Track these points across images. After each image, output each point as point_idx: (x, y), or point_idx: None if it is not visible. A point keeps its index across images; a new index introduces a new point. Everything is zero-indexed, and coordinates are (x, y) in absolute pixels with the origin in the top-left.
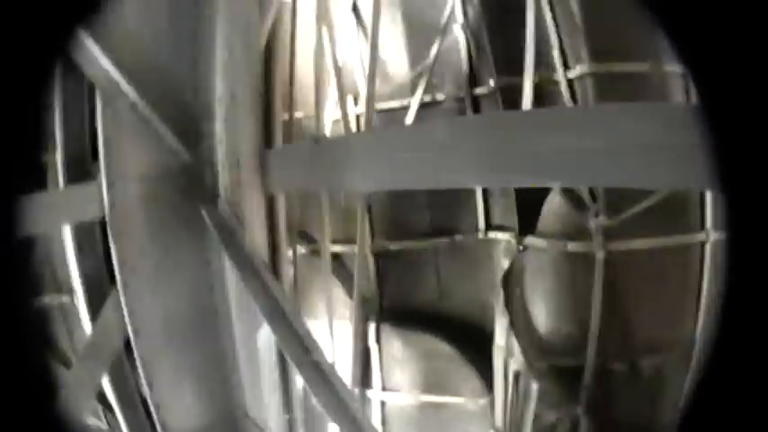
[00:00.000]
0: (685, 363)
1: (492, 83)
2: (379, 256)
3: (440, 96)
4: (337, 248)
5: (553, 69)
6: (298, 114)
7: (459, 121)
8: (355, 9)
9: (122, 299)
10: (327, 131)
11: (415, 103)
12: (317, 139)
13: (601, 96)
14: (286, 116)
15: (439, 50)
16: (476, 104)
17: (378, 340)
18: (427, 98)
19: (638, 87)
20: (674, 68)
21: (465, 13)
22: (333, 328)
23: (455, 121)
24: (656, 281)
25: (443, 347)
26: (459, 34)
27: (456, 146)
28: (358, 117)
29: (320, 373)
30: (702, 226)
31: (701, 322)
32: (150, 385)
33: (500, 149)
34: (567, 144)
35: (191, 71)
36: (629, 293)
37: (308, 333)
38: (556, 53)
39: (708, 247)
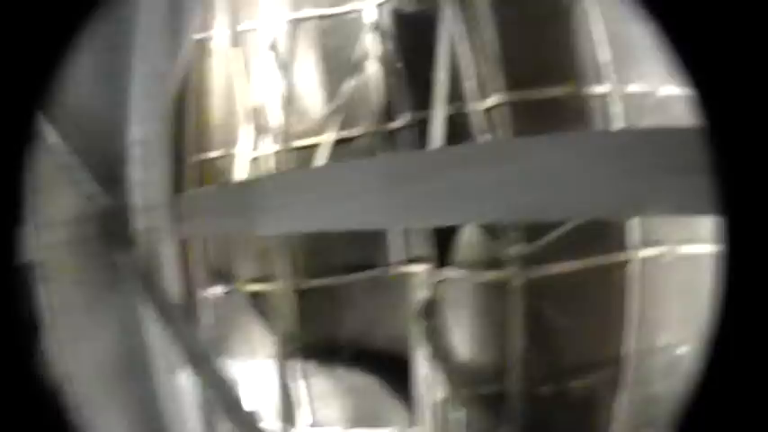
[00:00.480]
0: (616, 382)
1: (407, 117)
2: (300, 293)
3: (355, 132)
4: (257, 286)
5: (469, 100)
6: (215, 153)
7: (367, 163)
8: (273, 47)
9: (51, 343)
10: (245, 170)
11: (328, 140)
12: (226, 184)
13: (518, 125)
14: (202, 156)
15: (354, 86)
16: (392, 139)
17: (303, 377)
18: (342, 135)
19: (557, 113)
20: (593, 90)
21: (381, 48)
22: (256, 366)
23: (363, 162)
24: (579, 303)
25: (369, 380)
26: (374, 69)
27: (366, 188)
28: (276, 155)
29: (239, 413)
30: (625, 246)
31: (630, 340)
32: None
33: (408, 190)
34: (477, 180)
35: (109, 116)
36: (552, 318)
37: (227, 374)
38: (471, 83)
39: (632, 266)
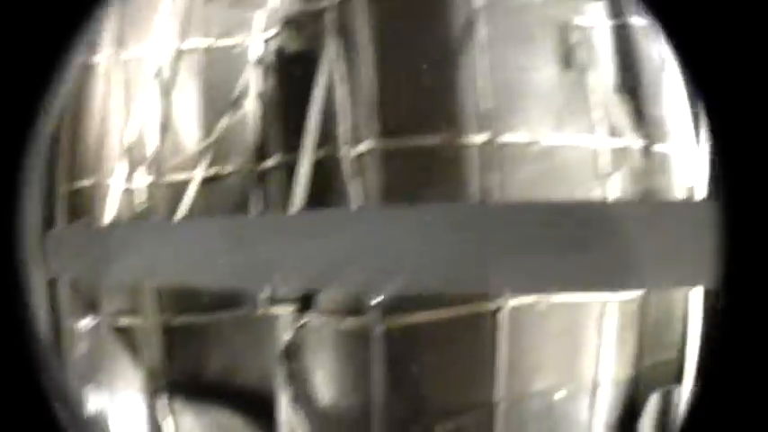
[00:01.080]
0: (486, 426)
1: (278, 158)
2: (167, 330)
3: (227, 169)
4: (125, 320)
5: (341, 144)
6: (88, 182)
7: (214, 221)
8: (158, 76)
9: None
10: (116, 203)
11: (197, 176)
12: (90, 223)
13: (389, 173)
14: (75, 185)
15: (230, 122)
16: (262, 179)
17: (171, 413)
18: (213, 171)
19: (430, 162)
20: (470, 139)
21: (262, 84)
22: (124, 401)
23: (212, 220)
24: (445, 350)
25: (235, 421)
26: (251, 107)
27: (211, 247)
28: (148, 188)
29: None
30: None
31: (500, 386)
32: None
33: (250, 252)
34: (304, 249)
35: None
36: (416, 365)
37: (90, 411)
38: (343, 128)
39: (502, 314)
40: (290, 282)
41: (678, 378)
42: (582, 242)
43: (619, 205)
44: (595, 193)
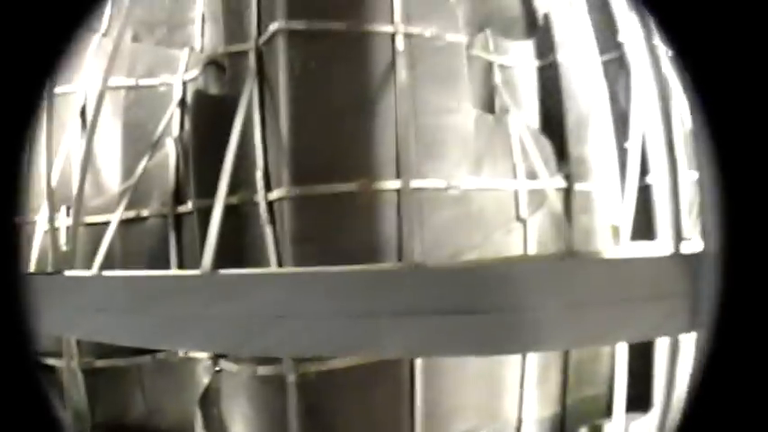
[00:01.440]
0: None
1: (194, 203)
2: (89, 372)
3: (145, 212)
4: (51, 361)
5: (255, 190)
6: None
7: (123, 279)
8: (83, 114)
9: None
10: (39, 242)
11: (115, 219)
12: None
13: (301, 219)
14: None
15: (151, 163)
16: (179, 223)
17: None
18: (132, 214)
19: (343, 208)
20: (384, 185)
21: (182, 127)
22: None
23: (119, 278)
24: (361, 396)
25: None
26: (171, 149)
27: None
28: (68, 229)
29: None
30: None
31: (419, 429)
32: None
33: (154, 311)
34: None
35: None
36: (332, 411)
37: None
38: (259, 174)
39: (418, 359)
40: (202, 345)
41: (608, 412)
42: (478, 304)
43: (519, 265)
44: (514, 235)
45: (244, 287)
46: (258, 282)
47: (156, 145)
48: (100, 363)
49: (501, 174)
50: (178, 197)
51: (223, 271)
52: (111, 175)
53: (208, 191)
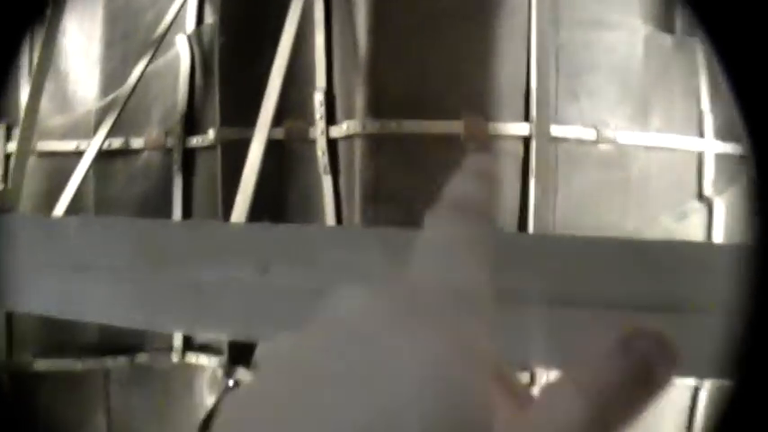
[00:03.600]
0: None
1: (212, 133)
2: (21, 377)
3: (136, 143)
4: None
5: (310, 122)
6: None
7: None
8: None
9: None
10: None
11: (92, 149)
12: None
13: (375, 169)
14: None
15: (147, 72)
16: (188, 161)
17: None
18: (117, 143)
19: (442, 158)
20: (505, 129)
21: (200, 19)
22: None
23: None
24: None
25: None
26: (183, 51)
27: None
28: (9, 157)
29: None
30: None
31: None
32: None
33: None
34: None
35: None
36: None
37: None
38: (319, 97)
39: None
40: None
41: None
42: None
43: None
44: (691, 222)
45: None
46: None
47: (158, 43)
48: (39, 364)
49: (679, 127)
50: (190, 123)
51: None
52: (85, 83)
53: (239, 117)
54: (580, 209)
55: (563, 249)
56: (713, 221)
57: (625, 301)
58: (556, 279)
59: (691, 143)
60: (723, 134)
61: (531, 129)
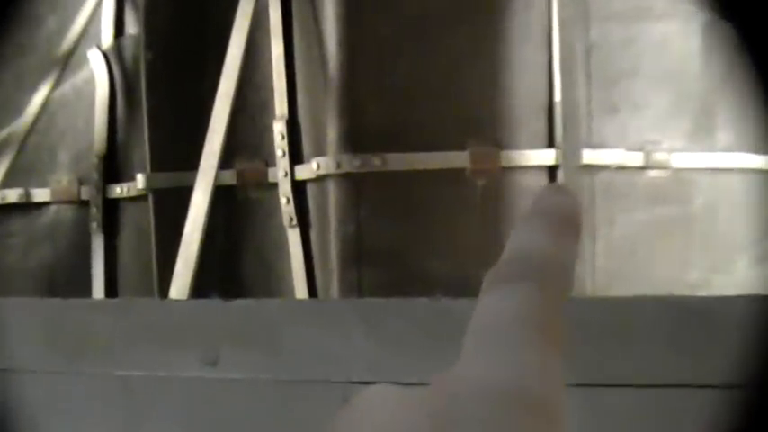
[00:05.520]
0: None
1: (141, 180)
2: None
3: (40, 195)
4: None
5: (269, 161)
6: None
7: None
8: None
9: None
10: None
11: None
12: None
13: (356, 217)
14: None
15: (52, 99)
16: (110, 217)
17: None
18: (14, 196)
19: (444, 202)
20: (523, 158)
21: (119, 33)
22: None
23: None
24: None
25: None
26: (98, 71)
27: None
28: None
29: None
30: None
31: None
32: None
33: None
34: None
35: None
36: None
37: None
38: (279, 128)
39: None
40: None
41: None
42: None
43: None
44: None
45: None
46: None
47: (65, 61)
48: None
49: (755, 143)
50: (110, 168)
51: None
52: None
53: (175, 157)
54: (626, 258)
55: (596, 315)
56: None
57: (674, 381)
58: (587, 354)
59: None
60: None
61: (557, 156)
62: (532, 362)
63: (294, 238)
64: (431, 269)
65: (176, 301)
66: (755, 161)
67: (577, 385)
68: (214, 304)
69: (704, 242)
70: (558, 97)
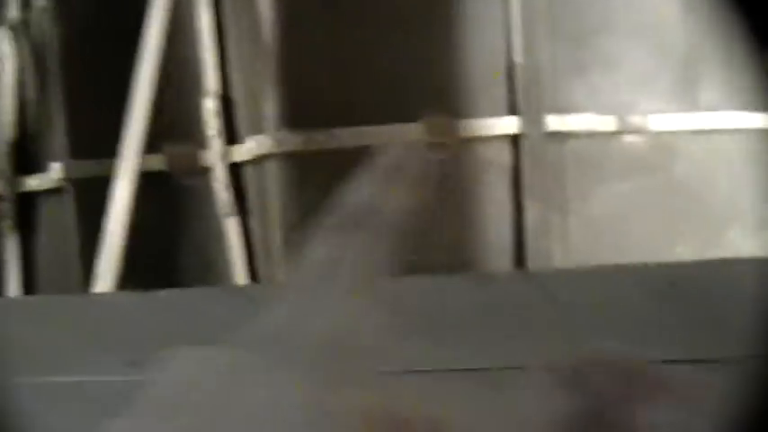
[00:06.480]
0: None
1: (58, 169)
2: None
3: None
4: None
5: (202, 143)
6: None
7: None
8: None
9: None
10: None
11: None
12: None
13: (299, 199)
14: None
15: None
16: (25, 212)
17: None
18: None
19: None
20: (484, 127)
21: (26, 4)
22: None
23: None
24: None
25: None
26: (2, 49)
27: None
28: None
29: None
30: None
31: None
32: None
33: None
34: None
35: None
36: None
37: None
38: (211, 110)
39: None
40: None
41: None
42: None
43: None
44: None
45: None
46: None
47: None
48: None
49: (743, 99)
50: (23, 157)
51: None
52: None
53: (95, 143)
54: (604, 235)
55: (572, 287)
56: None
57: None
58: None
59: (755, 119)
60: None
61: (520, 123)
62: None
63: (233, 227)
64: None
65: (100, 293)
66: (745, 120)
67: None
68: (144, 297)
69: (690, 213)
70: (518, 58)
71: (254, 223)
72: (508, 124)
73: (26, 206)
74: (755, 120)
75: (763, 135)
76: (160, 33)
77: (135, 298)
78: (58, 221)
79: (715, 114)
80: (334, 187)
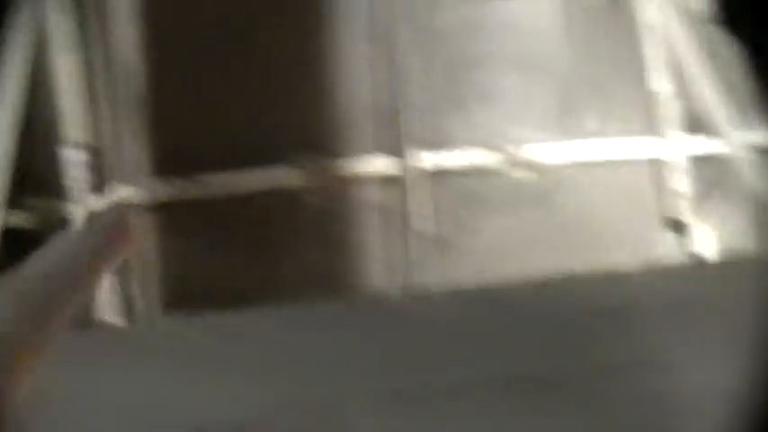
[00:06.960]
0: None
1: None
2: None
3: None
4: None
5: (64, 197)
6: None
7: None
8: None
9: None
10: None
11: None
12: None
13: (175, 253)
14: None
15: None
16: None
17: None
18: None
19: (272, 224)
20: (359, 165)
21: None
22: None
23: None
24: None
25: None
26: None
27: None
28: None
29: None
30: None
31: None
32: None
33: None
34: None
35: None
36: None
37: None
38: (73, 160)
39: None
40: None
41: None
42: None
43: None
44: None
45: None
46: None
47: None
48: None
49: (627, 125)
50: None
51: None
52: None
53: None
54: (495, 270)
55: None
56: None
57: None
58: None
59: (649, 146)
60: (692, 125)
61: (394, 162)
62: None
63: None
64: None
65: None
66: (631, 146)
67: None
68: None
69: (581, 243)
70: (387, 96)
71: (129, 282)
72: (385, 164)
73: None
74: (640, 148)
75: (649, 163)
76: (19, 82)
77: None
78: None
79: (598, 142)
80: (214, 240)
